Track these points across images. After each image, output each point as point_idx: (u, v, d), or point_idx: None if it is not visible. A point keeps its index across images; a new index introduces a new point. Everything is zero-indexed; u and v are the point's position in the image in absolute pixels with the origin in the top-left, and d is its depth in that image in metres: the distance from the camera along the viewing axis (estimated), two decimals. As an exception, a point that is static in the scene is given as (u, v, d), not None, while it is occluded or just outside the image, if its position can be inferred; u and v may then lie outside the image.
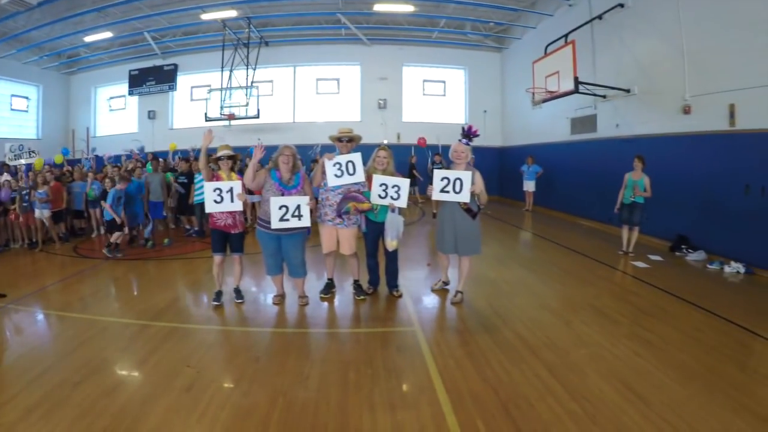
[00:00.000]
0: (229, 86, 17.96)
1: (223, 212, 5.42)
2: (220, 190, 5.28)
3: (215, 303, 5.57)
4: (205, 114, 18.05)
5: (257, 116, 17.61)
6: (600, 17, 11.44)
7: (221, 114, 17.73)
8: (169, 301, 5.86)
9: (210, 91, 18.29)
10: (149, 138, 19.31)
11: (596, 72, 11.77)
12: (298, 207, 5.08)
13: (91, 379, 3.68)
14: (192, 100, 19.89)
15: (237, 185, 5.33)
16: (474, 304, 5.58)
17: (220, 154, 5.63)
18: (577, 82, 10.73)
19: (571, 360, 4.01)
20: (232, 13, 15.89)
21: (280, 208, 5.06)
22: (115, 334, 4.80)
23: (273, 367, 3.94)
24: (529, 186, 15.01)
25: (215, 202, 5.29)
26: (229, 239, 5.59)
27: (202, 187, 7.40)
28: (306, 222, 5.17)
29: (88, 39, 17.31)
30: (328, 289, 5.93)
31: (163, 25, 17.22)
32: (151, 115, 20.01)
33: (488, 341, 4.42)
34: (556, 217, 13.64)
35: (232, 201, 5.32)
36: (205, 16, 15.92)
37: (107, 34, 17.17)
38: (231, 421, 3.11)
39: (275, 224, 5.09)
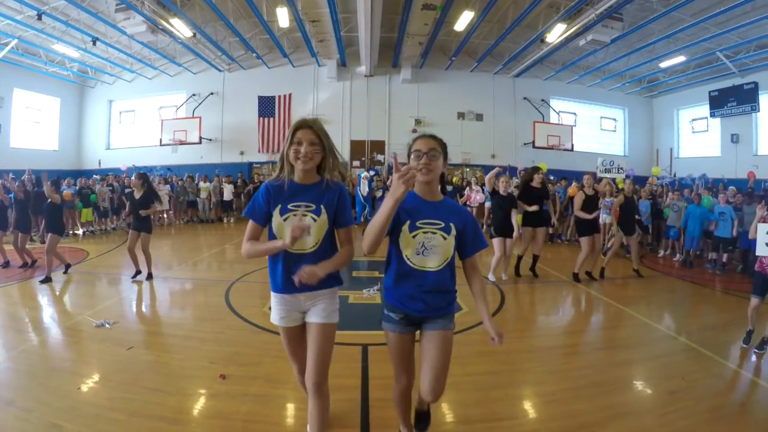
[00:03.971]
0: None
1: None
2: None
3: (743, 345, 5.50)
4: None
5: None
6: None
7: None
8: (704, 326, 6.50)
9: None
10: (731, 164, 19.26)
11: None
12: None
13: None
14: (780, 122, 18.17)
15: None
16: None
17: None
18: None
19: None
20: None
21: None
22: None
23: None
24: None
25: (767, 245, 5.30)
26: None
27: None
28: None
29: (663, 65, 19.42)
30: None
31: (735, 42, 16.88)
32: (734, 138, 19.61)
33: None
34: None
35: None
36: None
37: (680, 58, 18.64)
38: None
39: None
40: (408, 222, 2.68)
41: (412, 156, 2.70)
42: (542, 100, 22.58)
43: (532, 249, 9.17)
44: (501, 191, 8.80)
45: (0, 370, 4.66)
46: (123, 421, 3.65)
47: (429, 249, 2.68)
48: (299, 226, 2.51)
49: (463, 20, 15.62)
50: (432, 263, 2.69)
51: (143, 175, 8.93)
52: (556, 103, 23.03)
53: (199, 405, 3.95)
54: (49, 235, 8.91)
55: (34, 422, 3.62)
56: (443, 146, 2.72)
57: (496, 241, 8.72)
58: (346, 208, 2.89)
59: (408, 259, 2.70)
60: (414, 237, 2.66)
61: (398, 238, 2.70)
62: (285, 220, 2.71)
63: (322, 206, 2.77)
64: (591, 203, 8.87)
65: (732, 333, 6.09)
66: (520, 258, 9.24)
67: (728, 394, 4.40)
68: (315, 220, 2.72)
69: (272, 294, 2.91)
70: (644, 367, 5.00)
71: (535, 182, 8.98)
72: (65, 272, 9.16)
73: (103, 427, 3.55)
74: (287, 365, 3.69)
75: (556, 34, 15.94)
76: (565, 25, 15.39)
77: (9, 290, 8.22)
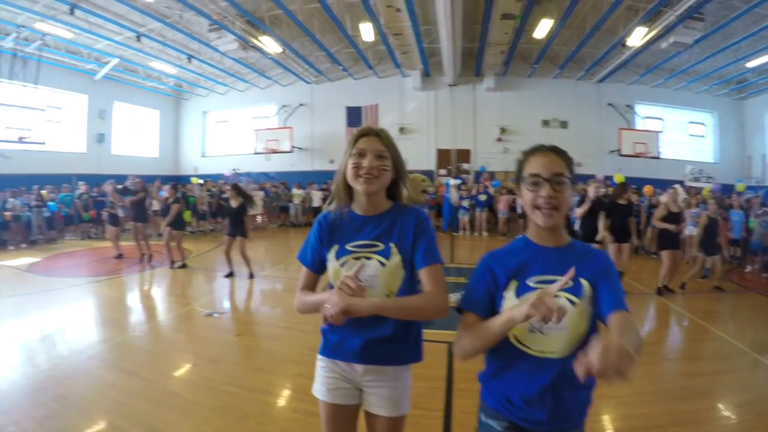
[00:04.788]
0: None
1: None
2: None
3: None
4: None
5: None
6: None
7: None
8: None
9: None
10: None
11: None
12: None
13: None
14: None
15: None
16: None
17: None
18: None
19: None
20: None
21: None
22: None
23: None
24: None
25: None
26: None
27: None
28: None
29: (750, 64, 18.75)
30: None
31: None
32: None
33: None
34: None
35: None
36: None
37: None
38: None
39: None
40: (516, 284, 1.76)
41: (525, 182, 1.79)
42: (627, 106, 22.33)
43: (617, 265, 9.10)
44: (591, 195, 9.20)
45: (122, 346, 5.68)
46: (236, 393, 4.37)
47: (549, 324, 1.54)
48: (337, 303, 1.78)
49: (543, 28, 15.97)
50: (556, 346, 1.68)
51: (236, 185, 10.19)
52: (641, 109, 22.70)
53: (303, 384, 4.30)
54: (175, 232, 10.64)
55: (156, 389, 4.46)
56: (570, 165, 1.83)
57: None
58: (427, 241, 2.01)
59: (517, 340, 1.74)
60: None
61: (499, 308, 1.78)
62: (342, 265, 2.01)
63: (392, 244, 2.00)
64: (674, 219, 9.03)
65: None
66: (620, 275, 8.81)
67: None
68: (383, 265, 1.98)
69: (318, 357, 2.21)
70: (713, 380, 5.16)
71: (623, 200, 9.12)
72: (172, 267, 10.64)
73: (218, 396, 4.32)
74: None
75: (637, 37, 15.90)
76: (646, 29, 15.36)
77: (128, 280, 9.75)
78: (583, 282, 1.71)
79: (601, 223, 8.80)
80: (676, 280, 9.29)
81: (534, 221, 1.78)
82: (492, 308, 1.79)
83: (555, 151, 1.84)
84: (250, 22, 16.11)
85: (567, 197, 1.74)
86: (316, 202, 19.73)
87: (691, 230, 11.82)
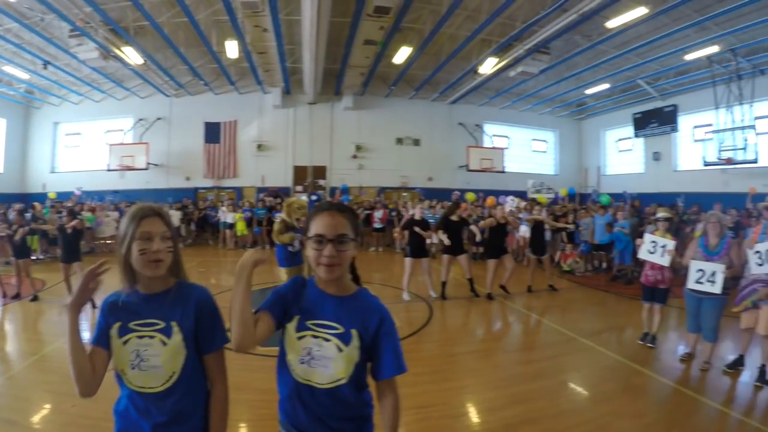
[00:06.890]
0: (726, 126, 17.55)
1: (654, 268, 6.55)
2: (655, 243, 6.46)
3: (640, 342, 6.88)
4: (703, 158, 18.50)
5: (755, 161, 16.57)
6: None
7: (718, 158, 17.69)
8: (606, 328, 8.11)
9: (713, 131, 18.06)
10: (652, 180, 21.27)
11: None
12: (713, 273, 5.57)
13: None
14: (695, 141, 20.06)
15: (670, 244, 6.30)
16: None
17: (659, 215, 6.94)
18: None
19: None
20: (714, 49, 15.64)
21: (698, 271, 5.75)
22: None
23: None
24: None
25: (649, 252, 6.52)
26: (655, 292, 6.67)
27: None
28: (717, 289, 5.54)
29: (589, 92, 21.21)
30: (735, 365, 5.84)
31: (655, 70, 18.59)
32: (656, 156, 21.67)
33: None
34: None
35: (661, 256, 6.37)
36: (689, 57, 16.45)
37: (605, 86, 20.53)
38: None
39: (690, 284, 5.81)
40: (297, 318, 1.95)
41: (310, 241, 1.90)
42: (476, 125, 24.38)
43: (462, 274, 10.29)
44: (416, 217, 10.06)
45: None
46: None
47: (317, 359, 1.89)
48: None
49: (402, 54, 16.88)
50: (319, 379, 1.90)
51: (71, 210, 10.22)
52: (490, 128, 24.84)
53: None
54: (21, 261, 9.93)
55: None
56: (354, 222, 1.98)
57: (408, 261, 9.87)
58: (213, 321, 2.06)
59: (290, 365, 1.93)
60: (299, 339, 1.91)
61: (284, 335, 1.97)
62: (125, 343, 1.93)
63: (173, 323, 1.97)
64: (500, 229, 10.15)
65: (631, 332, 7.50)
66: (444, 284, 9.86)
67: (614, 382, 5.60)
68: (165, 344, 1.94)
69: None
70: (544, 365, 6.18)
71: (455, 216, 9.92)
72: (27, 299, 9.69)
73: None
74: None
75: (488, 66, 17.32)
76: (497, 59, 16.77)
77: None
78: (355, 334, 1.89)
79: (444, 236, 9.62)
80: (512, 281, 10.43)
81: (318, 274, 1.92)
82: (280, 319, 1.96)
83: (340, 210, 1.94)
84: (113, 31, 15.24)
85: (348, 255, 1.90)
86: (175, 221, 18.81)
87: (524, 231, 13.16)
